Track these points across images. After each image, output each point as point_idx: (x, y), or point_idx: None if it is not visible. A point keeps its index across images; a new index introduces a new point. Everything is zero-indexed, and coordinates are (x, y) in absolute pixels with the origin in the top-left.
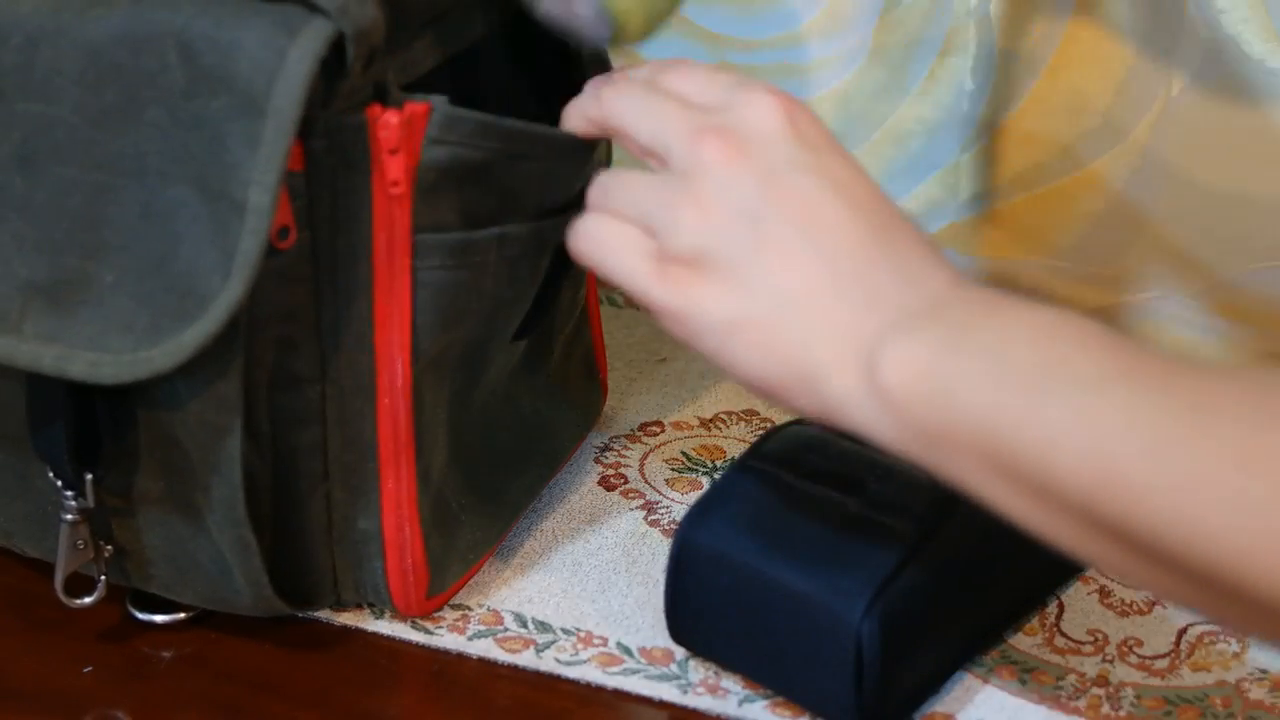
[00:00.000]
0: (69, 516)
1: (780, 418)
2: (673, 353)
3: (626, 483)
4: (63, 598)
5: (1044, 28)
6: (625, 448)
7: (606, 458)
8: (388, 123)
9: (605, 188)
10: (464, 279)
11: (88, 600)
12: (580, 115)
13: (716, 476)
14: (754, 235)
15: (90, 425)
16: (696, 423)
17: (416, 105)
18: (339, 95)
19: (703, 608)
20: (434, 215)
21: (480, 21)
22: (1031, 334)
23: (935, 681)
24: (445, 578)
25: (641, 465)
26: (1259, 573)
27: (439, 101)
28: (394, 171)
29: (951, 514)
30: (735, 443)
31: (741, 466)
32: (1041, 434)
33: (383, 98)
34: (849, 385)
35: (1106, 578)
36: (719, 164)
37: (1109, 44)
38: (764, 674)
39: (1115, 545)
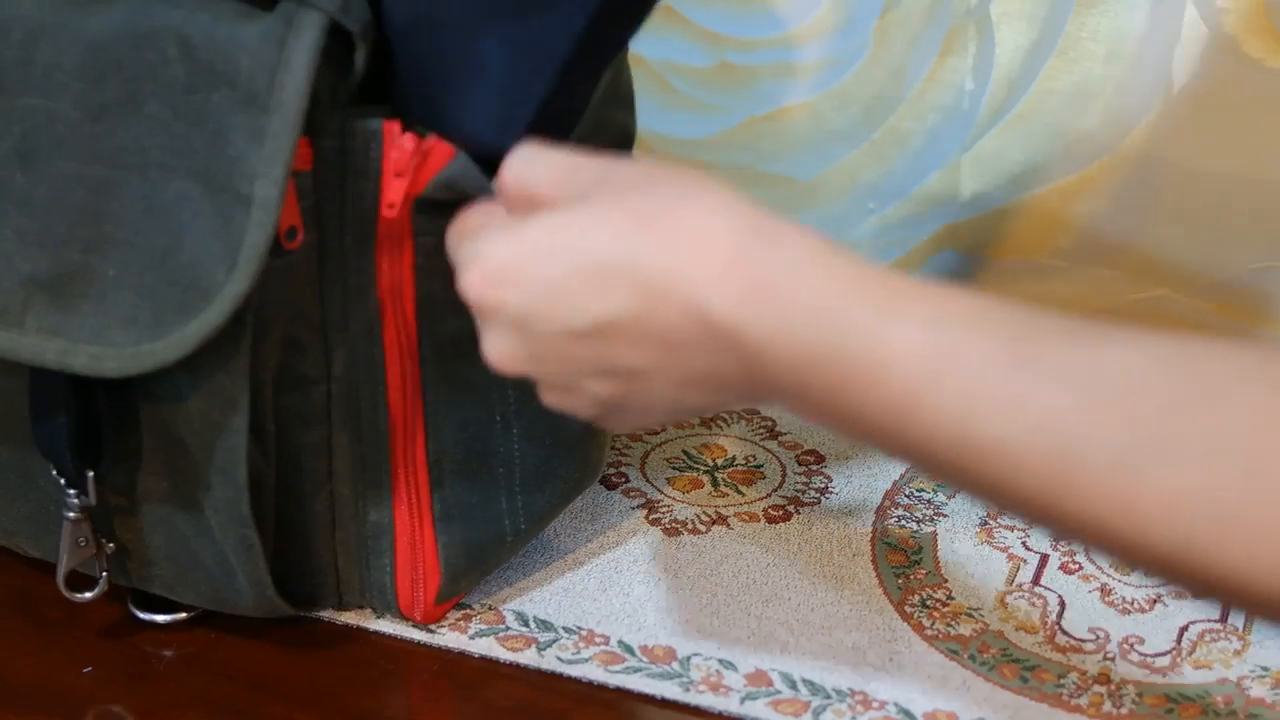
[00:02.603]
0: (71, 514)
1: (782, 420)
2: None
3: (627, 481)
4: (65, 592)
5: (1044, 28)
6: (626, 446)
7: (607, 456)
8: (402, 145)
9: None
10: None
11: (89, 595)
12: None
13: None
14: (585, 380)
15: (92, 421)
16: (697, 421)
17: (440, 143)
18: (349, 94)
19: None
20: (437, 220)
21: None
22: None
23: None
24: (458, 582)
25: (642, 464)
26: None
27: (462, 155)
28: (392, 194)
29: None
30: (736, 441)
31: None
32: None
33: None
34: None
35: (1108, 576)
36: (506, 367)
37: (1109, 44)
38: None
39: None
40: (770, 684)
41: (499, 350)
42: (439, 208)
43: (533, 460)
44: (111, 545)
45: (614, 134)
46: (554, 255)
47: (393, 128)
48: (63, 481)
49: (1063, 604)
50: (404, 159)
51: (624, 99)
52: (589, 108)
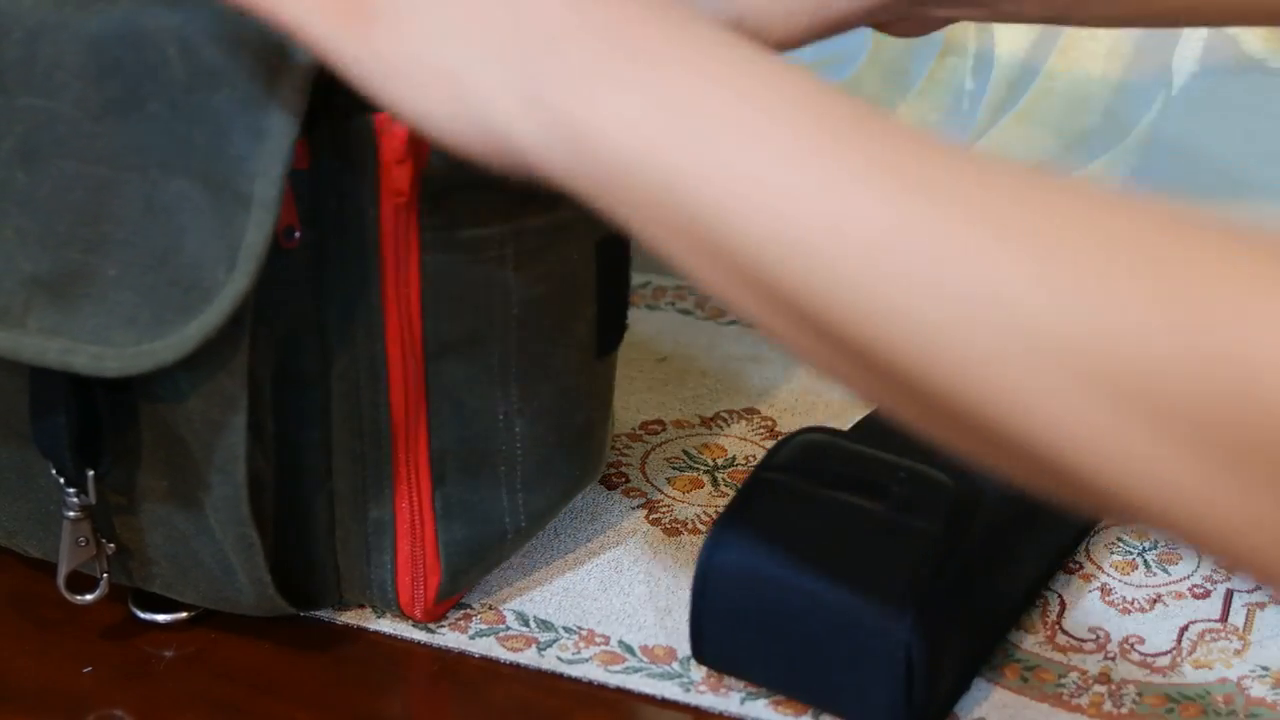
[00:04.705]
0: (71, 513)
1: (782, 420)
2: (673, 351)
3: (628, 481)
4: (65, 594)
5: (1044, 28)
6: (626, 446)
7: (608, 455)
8: (395, 134)
9: None
10: (478, 273)
11: (89, 597)
12: None
13: (732, 494)
14: None
15: (92, 420)
16: (697, 421)
17: None
18: (344, 94)
19: (732, 627)
20: (443, 215)
21: None
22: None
23: (966, 678)
24: (458, 580)
25: (642, 464)
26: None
27: None
28: (399, 181)
29: (975, 512)
30: (736, 441)
31: (757, 479)
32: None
33: None
34: (530, 131)
35: (1109, 576)
36: None
37: (1109, 43)
38: (800, 689)
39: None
40: None
41: None
42: (444, 201)
43: (534, 458)
44: (112, 545)
45: None
46: None
47: (383, 119)
48: (62, 481)
49: (1063, 604)
50: (400, 147)
51: None
52: None
